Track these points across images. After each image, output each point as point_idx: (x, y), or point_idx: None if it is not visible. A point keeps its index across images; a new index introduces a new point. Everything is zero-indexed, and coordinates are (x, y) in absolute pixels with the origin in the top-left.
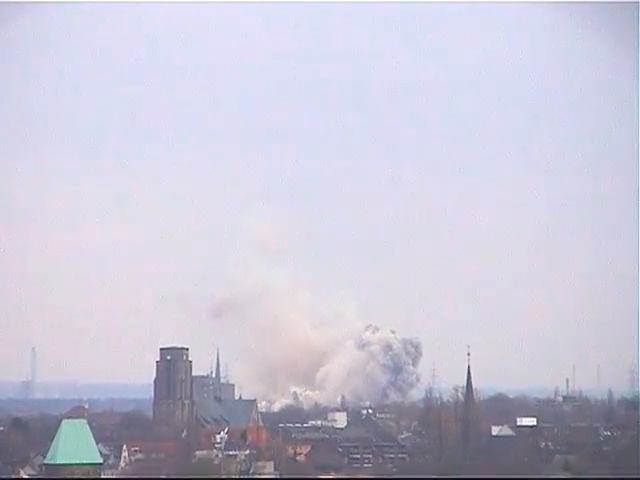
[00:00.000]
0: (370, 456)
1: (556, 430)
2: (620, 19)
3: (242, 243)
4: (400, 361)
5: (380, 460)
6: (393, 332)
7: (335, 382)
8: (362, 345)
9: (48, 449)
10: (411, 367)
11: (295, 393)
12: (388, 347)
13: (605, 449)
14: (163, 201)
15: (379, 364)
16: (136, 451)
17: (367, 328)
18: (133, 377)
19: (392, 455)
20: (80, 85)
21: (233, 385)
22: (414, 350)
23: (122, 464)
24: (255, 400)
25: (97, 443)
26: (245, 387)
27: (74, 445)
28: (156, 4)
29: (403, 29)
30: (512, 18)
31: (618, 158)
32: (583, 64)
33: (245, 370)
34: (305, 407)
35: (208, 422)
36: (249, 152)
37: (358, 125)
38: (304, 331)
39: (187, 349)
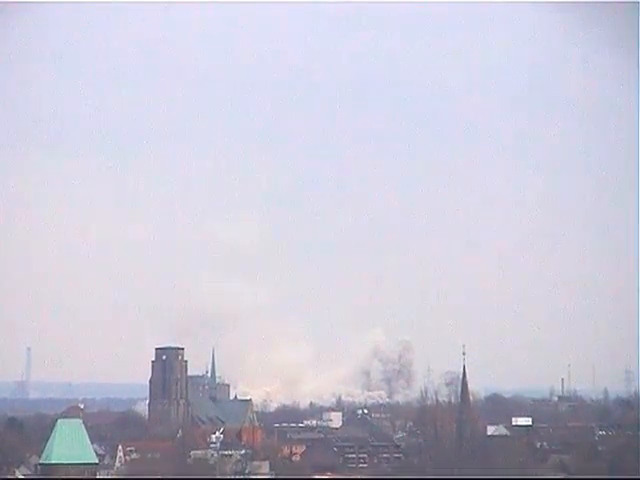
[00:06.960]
0: (365, 456)
1: (551, 430)
2: (620, 19)
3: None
4: (394, 361)
5: (375, 460)
6: (387, 332)
7: (330, 382)
8: (356, 345)
9: (43, 449)
10: (406, 367)
11: (290, 392)
12: (382, 347)
13: (600, 449)
14: (163, 201)
15: (374, 364)
16: (131, 451)
17: (362, 328)
18: (128, 377)
19: (387, 455)
20: (84, 85)
21: (228, 385)
22: (408, 350)
23: (117, 464)
24: (250, 400)
25: (92, 443)
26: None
27: (69, 445)
28: (160, 4)
29: (406, 31)
30: (511, 19)
31: (618, 158)
32: (583, 65)
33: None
34: (300, 407)
35: (203, 422)
36: (242, 157)
37: (350, 127)
38: (299, 331)
39: (182, 349)
